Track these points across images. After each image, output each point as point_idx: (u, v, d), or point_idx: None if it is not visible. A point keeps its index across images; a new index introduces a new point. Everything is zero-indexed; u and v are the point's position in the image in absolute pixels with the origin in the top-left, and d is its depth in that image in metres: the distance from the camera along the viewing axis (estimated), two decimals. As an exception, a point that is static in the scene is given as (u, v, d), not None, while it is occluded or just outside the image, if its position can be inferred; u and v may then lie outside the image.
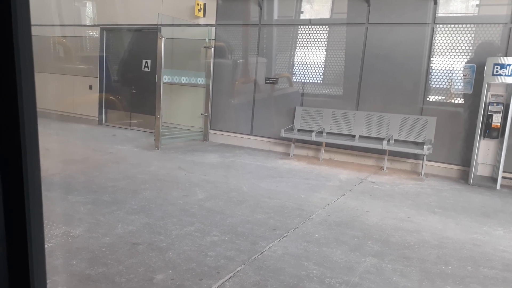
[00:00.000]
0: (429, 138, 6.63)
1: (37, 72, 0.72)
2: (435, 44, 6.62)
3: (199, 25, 8.62)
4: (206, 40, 8.57)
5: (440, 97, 6.68)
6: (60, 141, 7.92)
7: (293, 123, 7.80)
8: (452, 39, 6.50)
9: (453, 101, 6.60)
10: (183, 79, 8.25)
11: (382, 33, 6.99)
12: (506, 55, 6.04)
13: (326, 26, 7.52)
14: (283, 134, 7.45)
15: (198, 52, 8.70)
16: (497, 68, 5.85)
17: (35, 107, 0.69)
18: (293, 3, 7.83)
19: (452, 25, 6.48)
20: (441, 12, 6.57)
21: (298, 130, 7.70)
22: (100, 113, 10.31)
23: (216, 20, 8.52)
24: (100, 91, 10.23)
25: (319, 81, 7.69)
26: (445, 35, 6.54)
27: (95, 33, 10.17)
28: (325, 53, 7.59)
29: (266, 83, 8.13)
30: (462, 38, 6.44)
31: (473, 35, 6.38)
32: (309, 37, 7.68)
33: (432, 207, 4.82)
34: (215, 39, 8.56)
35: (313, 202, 4.73)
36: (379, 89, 7.08)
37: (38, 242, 0.72)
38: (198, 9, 8.43)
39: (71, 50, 10.89)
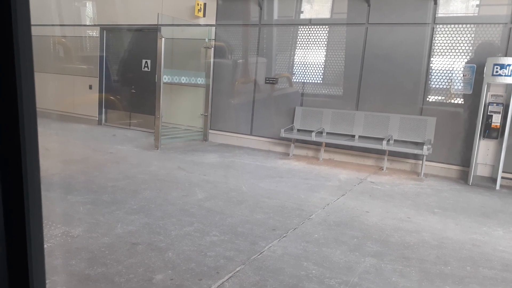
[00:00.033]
0: (428, 138, 6.63)
1: (37, 72, 0.72)
2: (435, 44, 6.63)
3: (199, 25, 8.62)
4: (206, 40, 8.57)
5: (440, 97, 6.69)
6: (60, 141, 7.92)
7: (292, 123, 7.81)
8: (452, 39, 6.50)
9: (453, 101, 6.60)
10: (183, 79, 8.25)
11: (382, 33, 6.99)
12: (506, 55, 6.05)
13: (326, 26, 7.52)
14: (283, 134, 7.45)
15: (198, 52, 8.70)
16: (497, 68, 5.85)
17: (34, 107, 0.69)
18: (293, 3, 7.83)
19: (452, 25, 6.48)
20: (441, 12, 6.57)
21: (298, 130, 7.70)
22: (100, 113, 10.31)
23: (216, 20, 8.52)
24: (100, 91, 10.23)
25: (319, 81, 7.69)
26: (445, 35, 6.54)
27: (95, 33, 10.17)
28: (325, 53, 7.59)
29: (266, 83, 8.13)
30: (462, 38, 6.44)
31: (473, 35, 6.38)
32: (309, 37, 7.68)
33: (431, 207, 4.82)
34: (215, 39, 8.56)
35: (312, 202, 4.73)
36: (379, 89, 7.08)
37: (38, 242, 0.72)
38: (198, 9, 8.43)
39: (71, 50, 10.89)
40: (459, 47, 6.47)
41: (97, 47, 10.13)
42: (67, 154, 6.53)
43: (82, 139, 8.35)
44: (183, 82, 8.28)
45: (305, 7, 7.82)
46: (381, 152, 6.92)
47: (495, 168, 6.12)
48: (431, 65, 6.69)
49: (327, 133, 7.46)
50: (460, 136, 6.54)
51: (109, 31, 10.05)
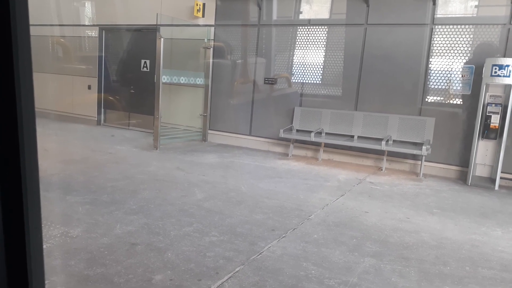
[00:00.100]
0: (427, 138, 6.63)
1: (35, 72, 0.72)
2: (434, 45, 6.64)
3: (198, 25, 8.62)
4: (205, 40, 8.57)
5: (438, 98, 6.69)
6: (59, 141, 7.91)
7: (292, 123, 7.81)
8: (451, 40, 6.51)
9: (451, 101, 6.61)
10: (182, 79, 8.24)
11: (381, 34, 6.99)
12: (504, 56, 6.05)
13: (325, 27, 7.52)
14: (282, 135, 7.45)
15: (197, 52, 8.70)
16: (495, 69, 5.86)
17: (33, 107, 0.69)
18: (292, 3, 7.83)
19: (451, 26, 6.49)
20: (440, 12, 6.58)
21: (297, 130, 7.71)
22: (99, 113, 10.31)
23: (215, 20, 8.52)
24: (99, 91, 10.22)
25: (318, 82, 7.70)
26: (444, 36, 6.55)
27: (94, 33, 10.16)
28: (324, 53, 7.60)
29: (265, 83, 8.13)
30: (461, 39, 6.45)
31: (471, 36, 6.39)
32: (308, 37, 7.69)
33: (430, 208, 4.82)
34: (214, 39, 8.56)
35: (311, 202, 4.73)
36: (378, 90, 7.09)
37: (37, 242, 0.72)
38: (197, 9, 8.43)
39: (70, 50, 10.88)
40: (458, 48, 6.48)
41: (96, 47, 10.12)
42: (66, 154, 6.53)
43: (81, 139, 8.34)
44: (182, 82, 8.27)
45: (304, 7, 7.82)
46: (380, 153, 6.92)
47: (494, 168, 6.13)
48: (430, 65, 6.70)
49: (326, 133, 7.46)
50: (459, 137, 6.55)
51: (108, 31, 10.04)
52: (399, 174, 6.66)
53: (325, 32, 7.55)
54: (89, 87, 10.31)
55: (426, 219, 4.39)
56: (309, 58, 7.72)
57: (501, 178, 6.02)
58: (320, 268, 3.02)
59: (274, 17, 8.03)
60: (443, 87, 6.64)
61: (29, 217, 0.70)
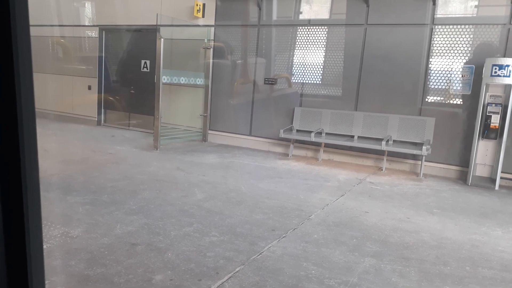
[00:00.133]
0: (427, 138, 6.63)
1: (35, 72, 0.72)
2: (434, 45, 6.64)
3: (198, 25, 8.62)
4: (205, 40, 8.57)
5: (438, 98, 6.69)
6: (59, 141, 7.91)
7: (292, 123, 7.81)
8: (451, 40, 6.51)
9: (451, 101, 6.61)
10: (182, 80, 8.24)
11: (381, 34, 7.00)
12: (504, 56, 6.05)
13: (325, 27, 7.52)
14: (282, 135, 7.45)
15: (197, 52, 8.70)
16: (495, 69, 5.86)
17: (33, 107, 0.69)
18: (292, 3, 7.83)
19: (451, 26, 6.49)
20: (440, 13, 6.58)
21: (297, 130, 7.71)
22: (99, 113, 10.31)
23: (215, 21, 8.52)
24: (99, 92, 10.22)
25: (318, 82, 7.70)
26: (444, 36, 6.55)
27: (94, 33, 10.16)
28: (324, 53, 7.60)
29: (265, 83, 8.14)
30: (461, 39, 6.45)
31: (471, 36, 6.39)
32: (308, 37, 7.69)
33: (431, 208, 4.82)
34: (214, 40, 8.56)
35: (312, 202, 4.73)
36: (378, 90, 7.09)
37: (37, 243, 0.72)
38: (197, 10, 8.43)
39: (70, 50, 10.88)
40: (458, 48, 6.48)
41: (96, 48, 10.12)
42: (66, 155, 6.53)
43: (81, 139, 8.34)
44: (182, 82, 8.28)
45: (304, 7, 7.82)
46: (380, 153, 6.92)
47: (494, 168, 6.13)
48: (430, 65, 6.70)
49: (326, 133, 7.46)
50: (459, 137, 6.55)
51: (108, 32, 10.05)
52: (399, 174, 6.66)
53: (325, 32, 7.55)
54: (89, 88, 10.31)
55: (426, 219, 4.39)
56: (309, 58, 7.72)
57: (501, 178, 6.02)
58: (320, 268, 3.02)
59: (274, 17, 8.04)
60: (443, 87, 6.64)
61: (29, 217, 0.70)
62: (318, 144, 7.49)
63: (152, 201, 4.38)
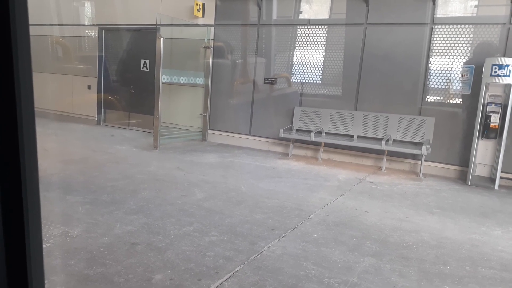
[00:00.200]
0: (427, 138, 6.64)
1: (35, 72, 0.72)
2: (434, 45, 6.64)
3: (198, 25, 8.62)
4: (205, 40, 8.57)
5: (438, 98, 6.69)
6: (58, 141, 7.91)
7: (292, 123, 7.81)
8: (451, 40, 6.51)
9: (451, 101, 6.61)
10: (182, 79, 8.24)
11: (381, 34, 6.99)
12: (504, 56, 6.06)
13: (325, 27, 7.52)
14: (282, 134, 7.45)
15: (197, 52, 8.70)
16: (495, 68, 5.86)
17: (33, 107, 0.69)
18: (292, 3, 7.83)
19: (451, 26, 6.49)
20: (440, 12, 6.58)
21: (297, 130, 7.71)
22: (99, 113, 10.31)
23: (215, 20, 8.52)
24: (99, 91, 10.22)
25: (318, 82, 7.70)
26: (444, 36, 6.55)
27: (94, 33, 10.16)
28: (324, 53, 7.60)
29: (265, 83, 8.13)
30: (461, 39, 6.45)
31: (471, 36, 6.39)
32: (308, 37, 7.69)
33: (430, 207, 4.82)
34: (214, 39, 8.56)
35: (311, 202, 4.74)
36: (378, 90, 7.09)
37: (36, 242, 0.72)
38: (197, 9, 8.43)
39: (69, 50, 10.87)
40: (458, 48, 6.48)
41: (96, 47, 10.12)
42: (66, 154, 6.53)
43: (81, 139, 8.34)
44: (182, 82, 8.27)
45: (304, 7, 7.82)
46: (380, 152, 6.92)
47: (493, 168, 6.13)
48: (429, 65, 6.70)
49: (326, 133, 7.46)
50: (458, 136, 6.55)
51: (108, 31, 10.04)
52: (399, 173, 6.66)
53: (325, 32, 7.55)
54: (89, 87, 10.31)
55: (426, 218, 4.39)
56: (309, 58, 7.72)
57: (501, 177, 6.02)
58: (320, 267, 3.02)
59: (274, 17, 8.03)
60: (443, 86, 6.64)
61: (29, 217, 0.70)
62: (318, 144, 7.49)
63: (152, 200, 4.39)
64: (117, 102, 10.22)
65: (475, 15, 6.45)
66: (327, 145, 7.45)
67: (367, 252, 3.37)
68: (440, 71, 6.64)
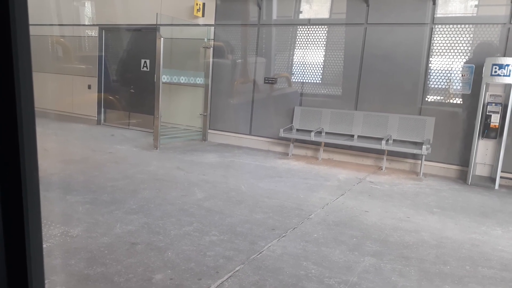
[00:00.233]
0: (427, 138, 6.63)
1: (35, 72, 0.72)
2: (434, 44, 6.63)
3: (198, 25, 8.62)
4: (205, 40, 8.56)
5: (438, 97, 6.69)
6: (59, 141, 7.91)
7: (292, 123, 7.81)
8: (451, 39, 6.51)
9: (451, 101, 6.61)
10: (182, 79, 8.24)
11: (381, 33, 6.99)
12: (504, 56, 6.05)
13: (325, 26, 7.52)
14: (282, 134, 7.45)
15: (197, 52, 8.70)
16: (495, 68, 5.86)
17: (33, 107, 0.69)
18: (292, 3, 7.83)
19: (451, 25, 6.49)
20: (440, 12, 6.58)
21: (297, 130, 7.71)
22: (99, 112, 10.31)
23: (215, 20, 8.52)
24: (99, 91, 10.22)
25: (318, 81, 7.70)
26: (444, 35, 6.55)
27: (94, 32, 10.16)
28: (324, 53, 7.59)
29: (265, 83, 8.13)
30: (461, 38, 6.45)
31: (471, 36, 6.39)
32: (308, 37, 7.68)
33: (431, 207, 4.82)
34: (214, 39, 8.55)
35: (312, 202, 4.74)
36: (378, 89, 7.09)
37: (36, 242, 0.72)
38: (197, 9, 8.43)
39: (70, 49, 10.87)
40: (458, 47, 6.48)
41: (96, 47, 10.12)
42: (66, 154, 6.53)
43: (81, 139, 8.34)
44: (182, 82, 8.27)
45: (304, 7, 7.82)
46: (380, 152, 6.92)
47: (494, 167, 6.13)
48: (430, 65, 6.70)
49: (326, 133, 7.46)
50: (459, 136, 6.55)
51: (108, 31, 10.04)
52: (399, 173, 6.66)
53: (325, 32, 7.54)
54: (89, 87, 10.31)
55: (426, 218, 4.39)
56: (309, 58, 7.72)
57: (501, 177, 6.02)
58: (320, 267, 3.02)
59: (274, 16, 8.03)
60: (443, 86, 6.64)
61: (29, 217, 0.70)
62: (318, 144, 7.49)
63: (152, 200, 4.39)
64: (117, 102, 10.22)
65: (475, 15, 6.45)
66: (327, 144, 7.45)
67: (367, 251, 3.37)
68: (440, 71, 6.63)
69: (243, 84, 8.41)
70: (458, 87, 6.54)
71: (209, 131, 8.77)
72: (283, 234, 3.65)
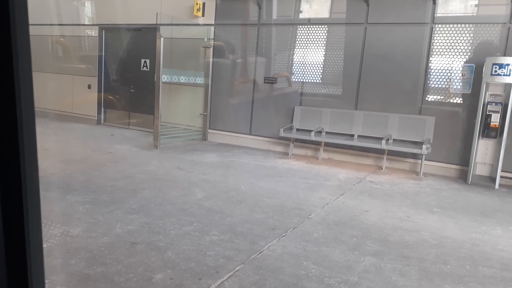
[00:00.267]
0: (428, 137, 6.63)
1: (35, 72, 0.72)
2: (434, 44, 6.63)
3: (198, 24, 8.61)
4: (205, 39, 8.56)
5: (439, 97, 6.69)
6: (58, 140, 7.91)
7: (292, 122, 7.81)
8: (451, 39, 6.51)
9: (451, 100, 6.61)
10: (182, 79, 8.24)
11: (381, 33, 6.99)
12: (504, 55, 6.05)
13: (325, 26, 7.52)
14: (282, 134, 7.45)
15: (197, 51, 8.70)
16: (495, 68, 5.86)
17: (33, 106, 0.69)
18: (292, 2, 7.83)
19: (451, 25, 6.48)
20: (440, 12, 6.58)
21: (297, 129, 7.71)
22: (99, 112, 10.31)
23: (215, 20, 8.51)
24: (99, 91, 10.22)
25: (318, 81, 7.69)
26: (444, 35, 6.55)
27: (94, 32, 10.16)
28: (324, 52, 7.59)
29: (265, 82, 8.13)
30: (461, 38, 6.44)
31: (471, 35, 6.39)
32: (308, 36, 7.68)
33: (431, 207, 4.82)
34: (214, 39, 8.55)
35: (312, 201, 4.74)
36: (378, 89, 7.09)
37: (37, 242, 0.72)
38: (197, 9, 8.42)
39: (70, 49, 10.87)
40: (458, 47, 6.48)
41: (96, 47, 10.12)
42: (66, 154, 6.53)
43: (81, 138, 8.34)
44: (182, 81, 8.27)
45: (304, 6, 7.82)
46: (380, 152, 6.92)
47: (494, 167, 6.13)
48: (430, 64, 6.69)
49: (326, 132, 7.46)
50: (459, 136, 6.55)
51: (108, 31, 10.04)
52: (399, 173, 6.66)
53: (325, 31, 7.54)
54: (89, 87, 10.31)
55: (426, 218, 4.39)
56: (309, 57, 7.72)
57: (501, 177, 6.02)
58: (320, 267, 3.02)
59: (274, 16, 8.03)
60: (443, 86, 6.64)
61: (29, 216, 0.70)
62: (318, 143, 7.49)
63: (152, 200, 4.39)
64: (117, 101, 10.22)
65: (475, 14, 6.45)
66: (327, 144, 7.45)
67: (368, 251, 3.37)
68: (440, 71, 6.63)
69: (243, 83, 8.41)
70: (458, 87, 6.54)
71: (209, 130, 8.77)
72: (283, 234, 3.65)
